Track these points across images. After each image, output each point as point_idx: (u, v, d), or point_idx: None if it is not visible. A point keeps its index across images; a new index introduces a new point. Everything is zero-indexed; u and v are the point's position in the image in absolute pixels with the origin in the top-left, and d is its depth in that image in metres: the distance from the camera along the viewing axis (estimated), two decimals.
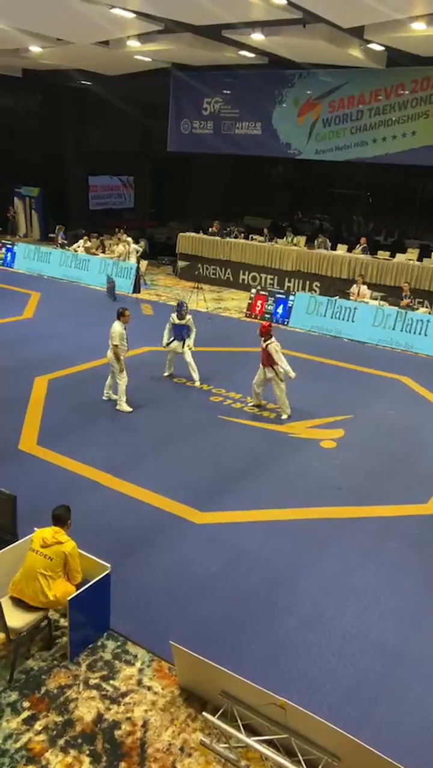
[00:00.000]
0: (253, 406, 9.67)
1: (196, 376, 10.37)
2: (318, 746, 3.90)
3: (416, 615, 5.50)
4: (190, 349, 10.31)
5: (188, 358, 10.31)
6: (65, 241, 19.79)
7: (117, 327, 9.20)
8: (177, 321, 10.21)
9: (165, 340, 10.36)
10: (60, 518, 4.97)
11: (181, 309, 10.22)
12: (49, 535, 4.86)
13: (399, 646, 5.13)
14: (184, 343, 10.27)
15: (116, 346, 9.15)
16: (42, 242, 22.31)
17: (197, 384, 10.36)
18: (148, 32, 14.01)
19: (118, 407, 9.30)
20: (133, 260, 17.76)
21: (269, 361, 9.14)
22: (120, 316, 9.29)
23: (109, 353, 9.27)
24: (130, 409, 9.27)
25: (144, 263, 18.16)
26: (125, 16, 12.44)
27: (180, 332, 10.25)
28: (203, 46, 15.01)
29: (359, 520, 6.90)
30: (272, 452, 8.39)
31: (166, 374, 10.69)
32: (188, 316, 10.27)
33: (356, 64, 15.14)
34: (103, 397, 9.64)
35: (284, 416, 9.33)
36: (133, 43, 14.96)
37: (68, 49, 15.80)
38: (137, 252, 18.25)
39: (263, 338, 9.22)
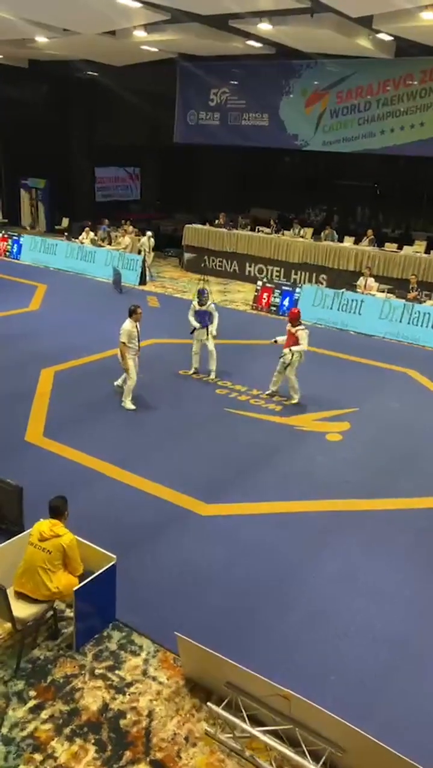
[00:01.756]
0: (269, 395, 9.76)
1: (213, 366, 10.36)
2: (322, 737, 3.92)
3: (423, 608, 5.50)
4: (213, 336, 10.29)
5: (211, 346, 10.31)
6: (105, 237, 18.89)
7: (127, 325, 8.90)
8: (198, 307, 10.22)
9: (192, 326, 10.28)
10: (57, 510, 4.90)
11: (202, 296, 10.22)
12: (46, 528, 4.82)
13: (405, 638, 5.13)
14: (207, 331, 10.25)
15: (123, 344, 8.88)
16: (48, 234, 22.30)
17: (212, 376, 10.35)
18: (155, 22, 13.92)
19: (122, 404, 9.13)
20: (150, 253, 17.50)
21: (294, 342, 9.41)
22: (131, 313, 8.95)
23: (119, 352, 9.06)
24: (134, 407, 9.09)
25: (150, 255, 18.10)
26: (132, 5, 12.36)
27: (203, 318, 10.25)
28: (210, 36, 14.92)
29: (366, 513, 6.90)
30: (277, 445, 8.39)
31: (191, 371, 10.52)
32: (210, 303, 10.29)
33: (364, 54, 15.00)
34: (115, 383, 9.51)
35: (295, 400, 9.52)
36: (140, 33, 14.87)
37: (74, 39, 15.74)
38: (150, 245, 17.86)
39: (291, 324, 9.46)
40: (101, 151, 24.72)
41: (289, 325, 9.55)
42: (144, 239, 17.99)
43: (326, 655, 4.90)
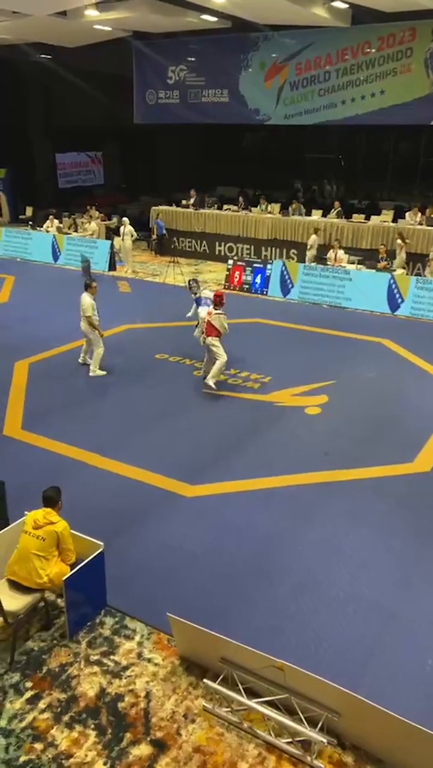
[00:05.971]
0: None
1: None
2: (318, 703, 4.01)
3: (407, 572, 5.61)
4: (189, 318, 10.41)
5: (196, 333, 10.29)
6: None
7: (87, 299, 9.55)
8: (193, 296, 10.31)
9: (189, 313, 10.35)
10: (50, 499, 4.98)
11: (191, 286, 10.42)
12: (40, 516, 4.88)
13: (392, 603, 5.23)
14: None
15: (89, 317, 9.53)
16: (13, 224, 21.91)
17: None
18: (106, 0, 13.62)
19: (91, 373, 9.74)
20: (129, 242, 16.79)
21: (215, 331, 9.04)
22: (87, 287, 9.71)
23: (83, 324, 9.65)
24: (104, 373, 9.73)
25: (118, 240, 17.83)
26: None
27: (199, 304, 10.20)
28: (163, 12, 14.66)
29: (347, 483, 6.98)
30: (257, 422, 8.42)
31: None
32: (200, 290, 10.24)
33: (320, 23, 14.87)
34: (79, 360, 10.14)
35: (211, 383, 9.08)
36: (92, 13, 14.55)
37: (25, 21, 15.33)
38: (132, 236, 16.88)
39: (216, 306, 9.06)
40: (61, 136, 24.26)
41: (211, 306, 9.17)
42: (129, 228, 16.81)
43: (316, 624, 4.99)
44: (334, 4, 13.70)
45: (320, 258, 15.27)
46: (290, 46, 16.71)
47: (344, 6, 14.01)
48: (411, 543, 5.99)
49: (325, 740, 3.93)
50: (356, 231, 16.15)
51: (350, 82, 16.19)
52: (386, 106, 15.80)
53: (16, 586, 4.82)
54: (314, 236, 15.71)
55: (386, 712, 3.68)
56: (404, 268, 14.75)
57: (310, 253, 15.76)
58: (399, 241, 14.79)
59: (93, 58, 19.49)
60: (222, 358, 9.09)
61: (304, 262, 15.42)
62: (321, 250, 15.74)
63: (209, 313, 9.09)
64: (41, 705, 4.33)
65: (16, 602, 4.70)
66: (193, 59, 18.58)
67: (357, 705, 3.78)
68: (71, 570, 4.82)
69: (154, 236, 18.89)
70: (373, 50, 15.57)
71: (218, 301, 9.13)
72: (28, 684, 4.49)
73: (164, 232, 18.45)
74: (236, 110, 18.17)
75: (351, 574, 5.54)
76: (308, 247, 15.83)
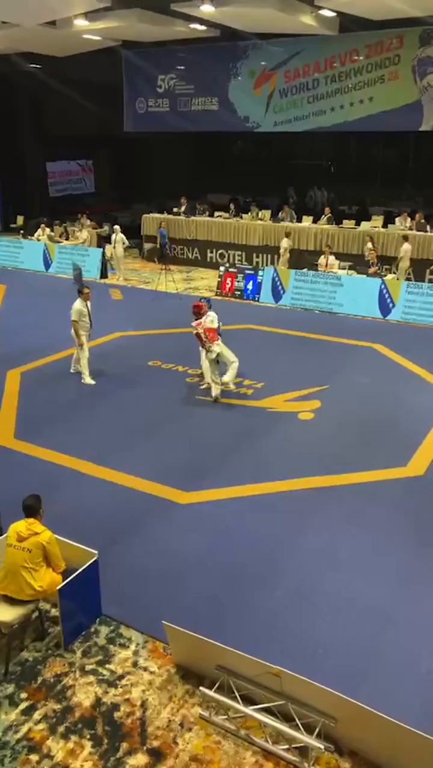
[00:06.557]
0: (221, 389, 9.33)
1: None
2: (315, 709, 3.99)
3: (403, 576, 5.61)
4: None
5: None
6: None
7: (77, 304, 9.70)
8: None
9: None
10: (31, 509, 4.86)
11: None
12: (23, 528, 4.78)
13: (388, 608, 5.23)
14: None
15: (75, 322, 9.64)
16: (4, 233, 21.89)
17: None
18: (96, 10, 13.67)
19: (82, 380, 9.78)
20: (120, 250, 16.77)
21: (214, 336, 8.93)
22: (80, 293, 9.82)
23: (71, 330, 9.78)
24: (93, 382, 9.73)
25: (110, 248, 17.82)
26: None
27: None
28: (153, 21, 14.72)
29: (341, 488, 6.98)
30: (251, 428, 8.42)
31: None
32: (209, 312, 10.00)
33: (308, 31, 14.97)
34: (71, 370, 10.15)
35: (231, 384, 9.23)
36: (81, 22, 14.58)
37: (14, 32, 15.34)
38: (124, 243, 16.85)
39: (196, 318, 8.92)
40: (51, 145, 24.26)
41: (195, 319, 9.03)
42: (120, 235, 16.78)
43: (312, 630, 4.97)
44: (321, 12, 13.80)
45: (312, 264, 15.32)
46: (278, 54, 16.81)
47: (332, 14, 14.10)
48: (407, 547, 5.99)
49: (322, 746, 3.92)
50: (346, 237, 16.23)
51: (339, 89, 16.30)
52: (374, 113, 15.92)
53: (9, 598, 4.77)
54: (285, 239, 15.77)
55: (383, 717, 3.67)
56: (394, 273, 14.84)
57: (283, 258, 15.82)
58: (369, 245, 14.89)
59: (83, 67, 19.53)
60: (234, 361, 9.16)
61: (296, 268, 15.45)
62: (313, 256, 15.80)
63: (198, 325, 8.93)
64: (36, 716, 4.30)
65: (9, 613, 4.67)
66: (182, 68, 18.67)
67: (354, 710, 3.77)
68: (64, 578, 4.79)
69: (158, 245, 18.84)
70: (361, 57, 15.70)
71: (195, 311, 9.07)
72: (23, 695, 4.46)
73: (166, 241, 18.43)
74: (225, 118, 18.26)
75: (347, 579, 5.53)
76: (281, 251, 15.91)
